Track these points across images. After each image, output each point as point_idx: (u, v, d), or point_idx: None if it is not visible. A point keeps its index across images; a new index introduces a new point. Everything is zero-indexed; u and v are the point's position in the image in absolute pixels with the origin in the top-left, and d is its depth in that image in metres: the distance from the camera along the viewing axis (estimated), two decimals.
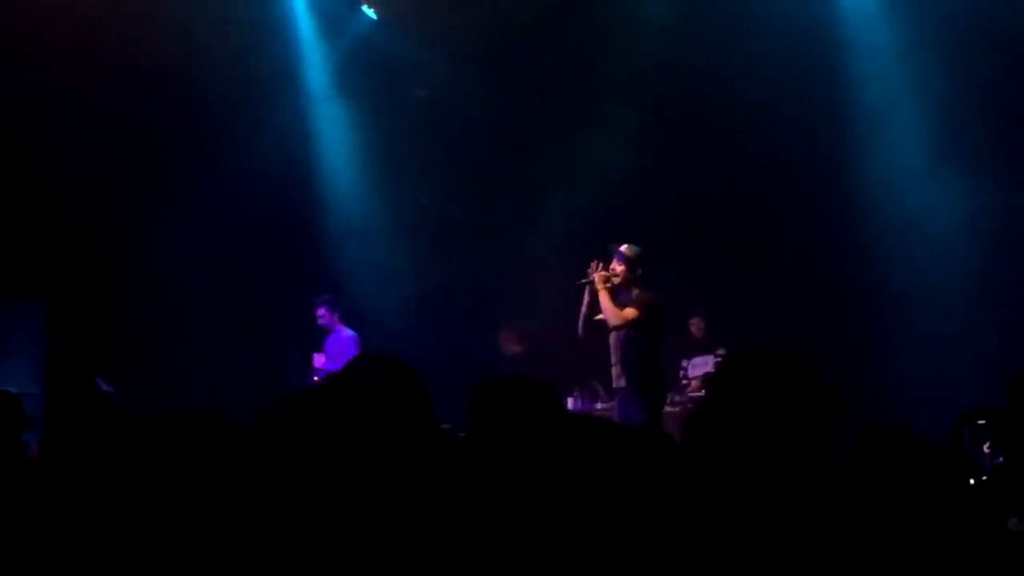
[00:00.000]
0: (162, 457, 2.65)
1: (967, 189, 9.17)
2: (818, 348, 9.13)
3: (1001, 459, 5.12)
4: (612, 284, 7.97)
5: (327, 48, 11.03)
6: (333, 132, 11.36)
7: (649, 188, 10.45)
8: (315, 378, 9.45)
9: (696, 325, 10.26)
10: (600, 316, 8.00)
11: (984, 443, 5.46)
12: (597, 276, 7.97)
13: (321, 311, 9.75)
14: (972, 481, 3.87)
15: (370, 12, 10.77)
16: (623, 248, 8.02)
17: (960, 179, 9.22)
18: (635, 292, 7.93)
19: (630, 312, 7.80)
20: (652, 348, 7.83)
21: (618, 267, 7.99)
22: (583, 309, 8.09)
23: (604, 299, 7.90)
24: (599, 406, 9.54)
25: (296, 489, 2.49)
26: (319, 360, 9.61)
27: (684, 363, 10.12)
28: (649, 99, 10.30)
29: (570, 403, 9.69)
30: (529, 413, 2.68)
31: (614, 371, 7.96)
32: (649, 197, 10.45)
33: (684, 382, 10.01)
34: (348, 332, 9.71)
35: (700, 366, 9.84)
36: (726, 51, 9.79)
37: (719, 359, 9.56)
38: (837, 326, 9.80)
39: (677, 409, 9.06)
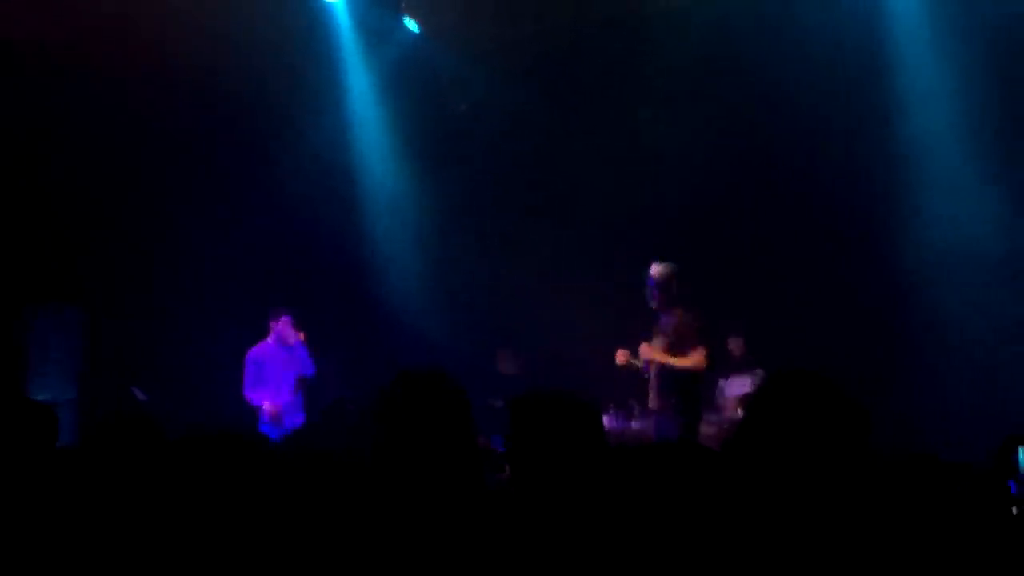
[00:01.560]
0: (188, 476, 2.63)
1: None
2: (858, 367, 9.08)
3: None
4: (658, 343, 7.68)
5: (369, 60, 11.06)
6: (374, 143, 11.37)
7: (689, 203, 10.38)
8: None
9: (735, 344, 10.17)
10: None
11: None
12: (644, 347, 7.69)
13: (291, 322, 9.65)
14: (1015, 510, 3.78)
15: (412, 24, 10.78)
16: (653, 273, 7.72)
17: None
18: (677, 316, 7.60)
19: (697, 363, 7.45)
20: (693, 373, 7.56)
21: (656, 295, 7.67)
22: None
23: (662, 358, 7.61)
24: (634, 424, 9.45)
25: (337, 507, 2.46)
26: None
27: (721, 382, 10.04)
28: (691, 112, 10.22)
29: (605, 421, 9.62)
30: (570, 429, 2.64)
31: (651, 392, 7.78)
32: (688, 212, 10.39)
33: (720, 402, 9.92)
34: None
35: (738, 386, 9.74)
36: (773, 58, 9.69)
37: (757, 380, 9.47)
38: (879, 345, 9.69)
39: (713, 430, 8.96)
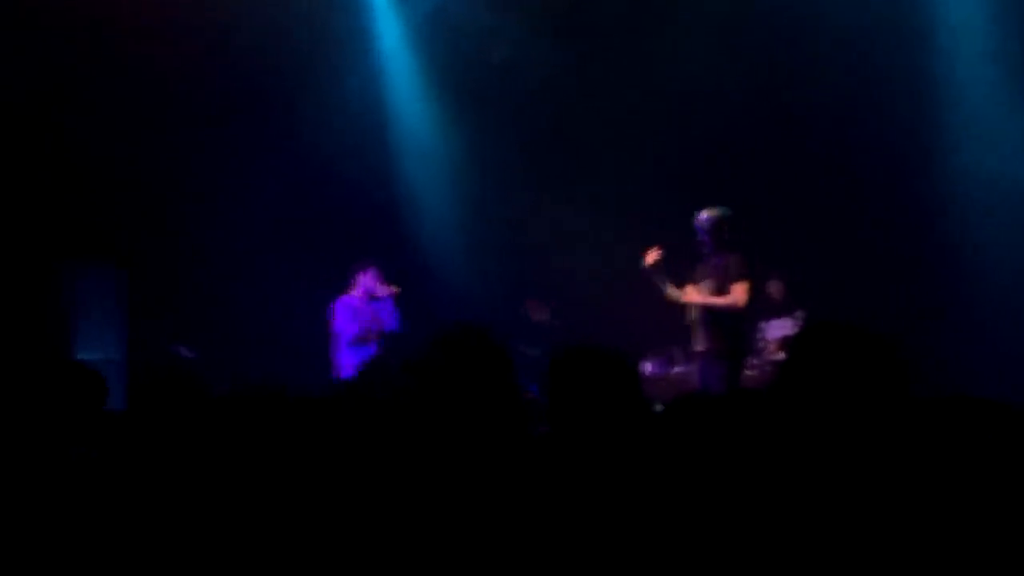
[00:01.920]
0: (235, 430, 2.68)
1: None
2: (899, 311, 9.04)
3: None
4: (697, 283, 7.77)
5: (401, 10, 11.01)
6: (407, 96, 11.34)
7: (728, 147, 10.32)
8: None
9: (775, 287, 10.13)
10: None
11: None
12: (689, 289, 7.78)
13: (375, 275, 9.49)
14: None
15: None
16: (702, 218, 7.76)
17: None
18: (725, 258, 7.63)
19: (736, 300, 7.52)
20: (737, 314, 7.61)
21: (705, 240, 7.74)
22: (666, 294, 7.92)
23: (698, 298, 7.70)
24: (675, 370, 9.48)
25: (380, 461, 2.50)
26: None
27: (762, 325, 10.01)
28: (726, 56, 10.13)
29: (647, 368, 9.65)
30: (606, 384, 2.66)
31: (695, 335, 7.80)
32: (729, 156, 10.33)
33: (761, 345, 9.91)
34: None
35: (778, 328, 9.71)
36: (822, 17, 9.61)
37: (797, 322, 9.46)
38: (920, 289, 9.63)
39: (755, 372, 8.96)
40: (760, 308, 9.75)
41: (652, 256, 7.96)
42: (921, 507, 2.14)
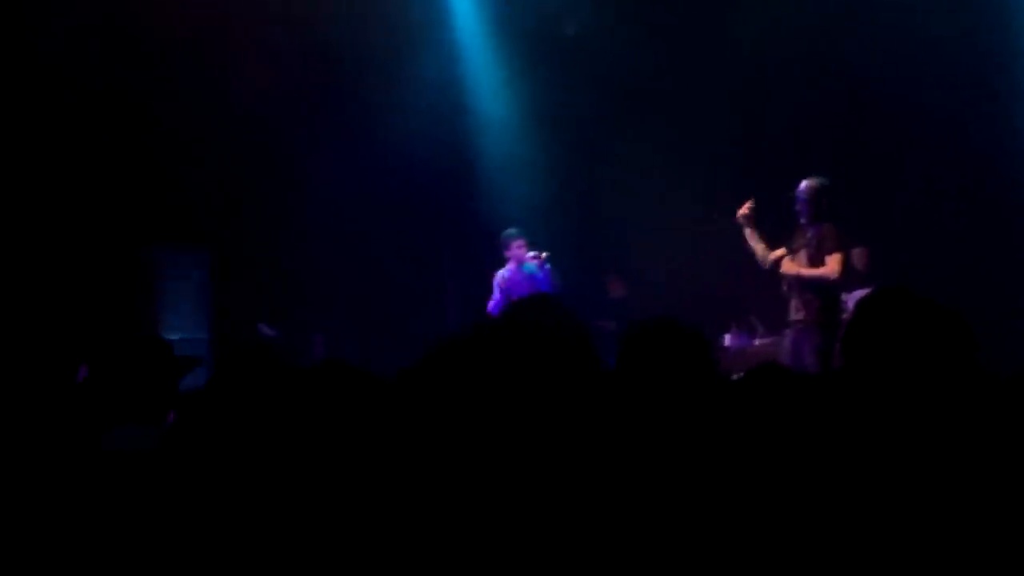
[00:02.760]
0: (316, 405, 2.70)
1: None
2: (983, 285, 8.86)
3: None
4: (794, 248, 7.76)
5: None
6: (484, 75, 11.35)
7: (804, 118, 10.19)
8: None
9: (859, 257, 9.96)
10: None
11: None
12: (785, 261, 7.75)
13: (522, 242, 9.51)
14: None
15: None
16: (802, 187, 7.72)
17: None
18: (821, 229, 7.61)
19: (830, 271, 7.53)
20: (832, 285, 7.60)
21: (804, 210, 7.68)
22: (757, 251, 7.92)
23: (793, 270, 7.70)
24: (757, 342, 9.40)
25: (457, 434, 2.51)
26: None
27: (844, 296, 9.85)
28: (803, 24, 9.97)
29: (728, 339, 9.58)
30: (678, 358, 2.65)
31: (793, 303, 7.73)
32: (805, 126, 10.21)
33: (844, 316, 9.76)
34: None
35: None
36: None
37: None
38: (1003, 263, 9.45)
39: (837, 345, 8.84)
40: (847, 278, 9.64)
41: (746, 207, 7.94)
42: (988, 487, 2.10)
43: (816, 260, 7.60)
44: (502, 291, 9.42)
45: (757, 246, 7.90)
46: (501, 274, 9.53)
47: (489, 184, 11.31)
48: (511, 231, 9.55)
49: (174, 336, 9.26)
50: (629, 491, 2.25)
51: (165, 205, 9.90)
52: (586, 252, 10.67)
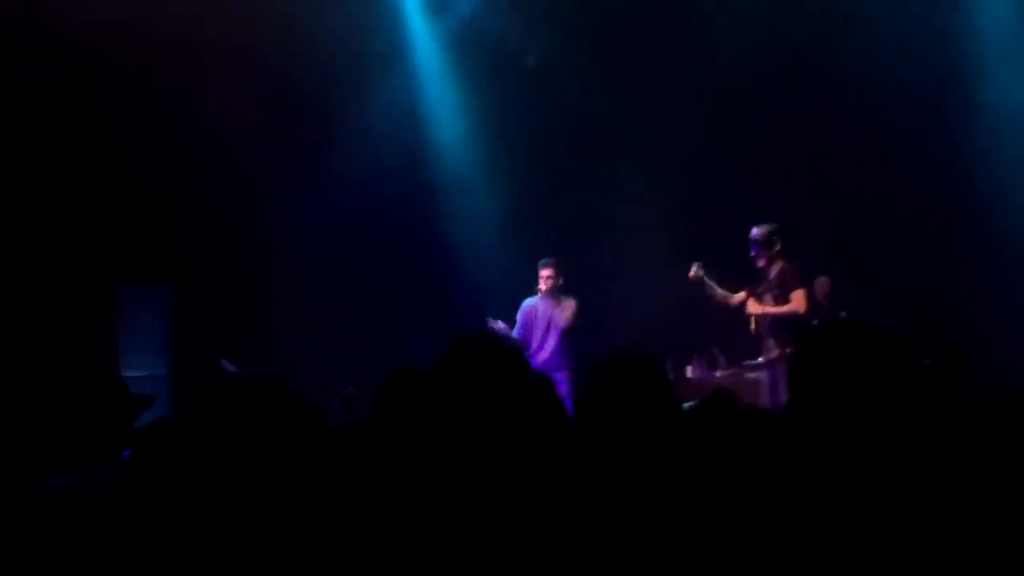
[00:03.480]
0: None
1: None
2: (947, 310, 8.94)
3: None
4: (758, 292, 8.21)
5: (435, 24, 11.06)
6: (443, 106, 11.38)
7: (763, 150, 10.29)
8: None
9: (820, 288, 10.03)
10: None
11: None
12: (751, 303, 8.22)
13: (547, 272, 9.12)
14: None
15: None
16: (754, 234, 8.14)
17: None
18: (779, 268, 8.08)
19: (797, 307, 7.94)
20: (800, 319, 7.91)
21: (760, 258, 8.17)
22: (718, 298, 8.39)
23: (759, 310, 8.15)
24: (718, 374, 9.42)
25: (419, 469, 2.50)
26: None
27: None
28: (757, 56, 10.08)
29: (690, 371, 9.61)
30: (634, 387, 2.66)
31: (765, 343, 8.18)
32: (765, 160, 10.30)
33: None
34: (572, 298, 9.19)
35: None
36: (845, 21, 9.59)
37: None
38: (967, 286, 9.55)
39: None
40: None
41: (693, 272, 8.42)
42: (933, 515, 2.11)
43: (781, 298, 8.01)
44: (523, 316, 9.23)
45: (717, 294, 8.36)
46: (529, 301, 9.28)
47: (451, 210, 11.32)
48: (546, 257, 9.26)
49: (133, 373, 9.18)
50: (582, 514, 2.25)
51: (125, 242, 9.83)
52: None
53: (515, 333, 9.09)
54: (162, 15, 9.31)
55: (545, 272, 9.08)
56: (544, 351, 9.05)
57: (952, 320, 9.00)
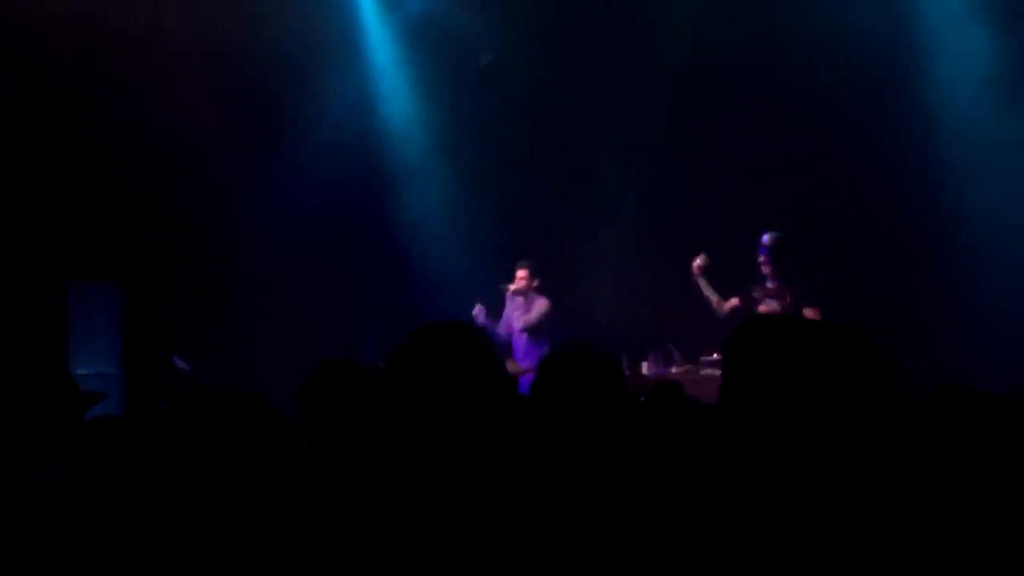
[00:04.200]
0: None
1: None
2: (889, 307, 9.01)
3: None
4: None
5: (389, 17, 11.05)
6: (397, 102, 11.36)
7: (719, 143, 10.34)
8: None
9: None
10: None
11: None
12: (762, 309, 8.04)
13: (521, 274, 9.36)
14: None
15: None
16: (766, 240, 8.15)
17: None
18: (793, 285, 8.10)
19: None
20: None
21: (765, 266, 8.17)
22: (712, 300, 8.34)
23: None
24: (674, 370, 9.46)
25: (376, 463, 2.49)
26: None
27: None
28: (715, 53, 10.12)
29: (645, 367, 9.64)
30: (588, 381, 2.67)
31: None
32: (720, 152, 10.36)
33: None
34: (544, 299, 9.36)
35: None
36: (799, 19, 9.64)
37: None
38: (909, 281, 9.63)
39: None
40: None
41: (700, 260, 8.32)
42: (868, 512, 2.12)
43: (789, 310, 7.87)
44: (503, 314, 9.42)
45: (712, 297, 8.15)
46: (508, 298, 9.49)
47: (407, 202, 11.30)
48: (527, 257, 9.48)
49: (85, 371, 9.10)
50: (535, 505, 2.25)
51: (78, 238, 9.74)
52: (501, 277, 10.63)
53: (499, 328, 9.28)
54: (116, 8, 9.26)
55: (520, 273, 9.31)
56: (516, 352, 9.21)
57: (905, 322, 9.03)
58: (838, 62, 9.52)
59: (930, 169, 9.56)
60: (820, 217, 9.85)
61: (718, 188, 10.22)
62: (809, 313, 7.74)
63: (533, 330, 9.20)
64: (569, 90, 10.80)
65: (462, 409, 2.42)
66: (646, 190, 10.51)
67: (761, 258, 8.14)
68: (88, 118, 9.56)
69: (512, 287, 9.31)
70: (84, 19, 9.13)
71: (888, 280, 9.62)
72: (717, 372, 8.21)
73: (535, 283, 9.32)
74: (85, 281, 10.13)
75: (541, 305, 9.28)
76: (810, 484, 2.08)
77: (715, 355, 9.03)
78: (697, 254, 8.35)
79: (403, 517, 2.26)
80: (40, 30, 9.02)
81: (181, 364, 9.47)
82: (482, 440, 2.39)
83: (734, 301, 8.21)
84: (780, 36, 9.77)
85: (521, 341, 9.27)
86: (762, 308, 8.02)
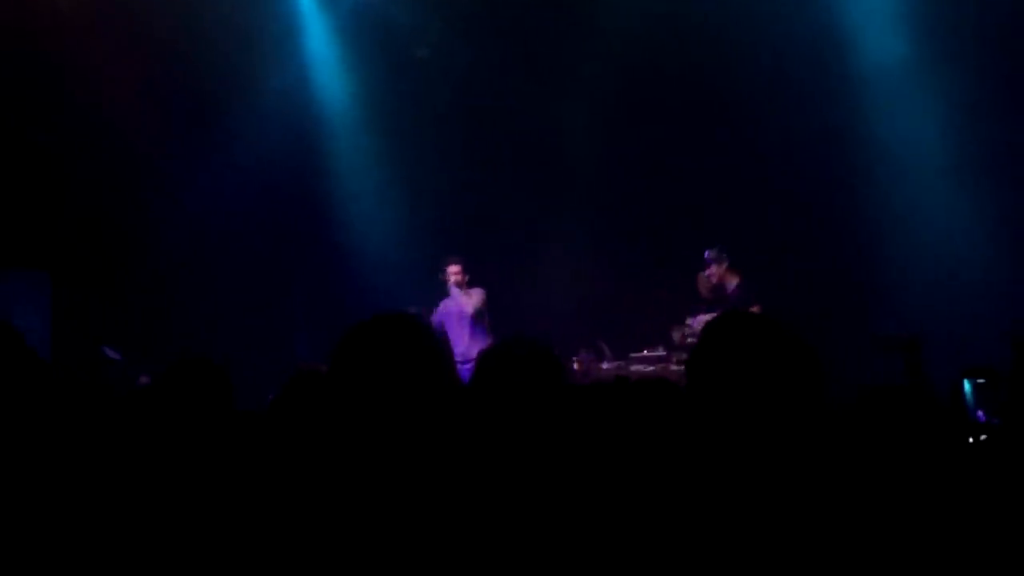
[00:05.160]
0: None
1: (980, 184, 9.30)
2: (825, 315, 9.21)
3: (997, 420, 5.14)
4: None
5: (326, 12, 11.01)
6: (334, 96, 11.33)
7: (646, 146, 10.47)
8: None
9: (704, 283, 10.23)
10: None
11: (984, 401, 5.48)
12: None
13: (455, 268, 9.49)
14: (971, 440, 3.88)
15: None
16: (709, 255, 9.11)
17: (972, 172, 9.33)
18: (736, 282, 9.09)
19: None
20: None
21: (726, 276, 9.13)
22: None
23: None
24: (605, 366, 9.56)
25: (321, 457, 2.51)
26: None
27: (689, 320, 10.10)
28: (643, 57, 10.25)
29: (575, 363, 9.71)
30: (529, 373, 2.72)
31: None
32: (648, 155, 10.49)
33: (691, 340, 10.00)
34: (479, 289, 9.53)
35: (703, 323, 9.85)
36: (731, 16, 9.78)
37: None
38: (842, 293, 9.86)
39: (683, 367, 9.07)
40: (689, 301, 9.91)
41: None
42: (836, 499, 2.19)
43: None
44: (438, 321, 9.49)
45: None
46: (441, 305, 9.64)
47: (338, 205, 11.29)
48: (449, 256, 9.59)
49: None
50: (480, 497, 2.29)
51: (4, 228, 9.60)
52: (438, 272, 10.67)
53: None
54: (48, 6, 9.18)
55: (453, 268, 9.43)
56: (461, 343, 9.29)
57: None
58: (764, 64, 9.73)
59: (858, 172, 9.81)
60: (755, 218, 10.03)
61: (653, 188, 10.36)
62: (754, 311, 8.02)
63: (479, 315, 9.38)
64: (505, 83, 10.85)
65: (409, 399, 2.46)
66: (580, 187, 10.60)
67: (707, 272, 9.10)
68: (17, 106, 9.43)
69: (451, 283, 9.43)
70: (12, 5, 9.02)
71: (823, 278, 9.85)
72: (648, 368, 8.45)
73: (467, 277, 9.49)
74: (12, 271, 9.99)
75: (479, 293, 9.46)
76: (754, 472, 2.15)
77: (644, 351, 9.21)
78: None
79: (356, 507, 2.30)
80: None
81: (111, 354, 9.37)
82: (429, 428, 2.44)
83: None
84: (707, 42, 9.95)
85: (467, 333, 9.39)
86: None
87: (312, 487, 2.37)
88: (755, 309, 8.14)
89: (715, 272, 9.31)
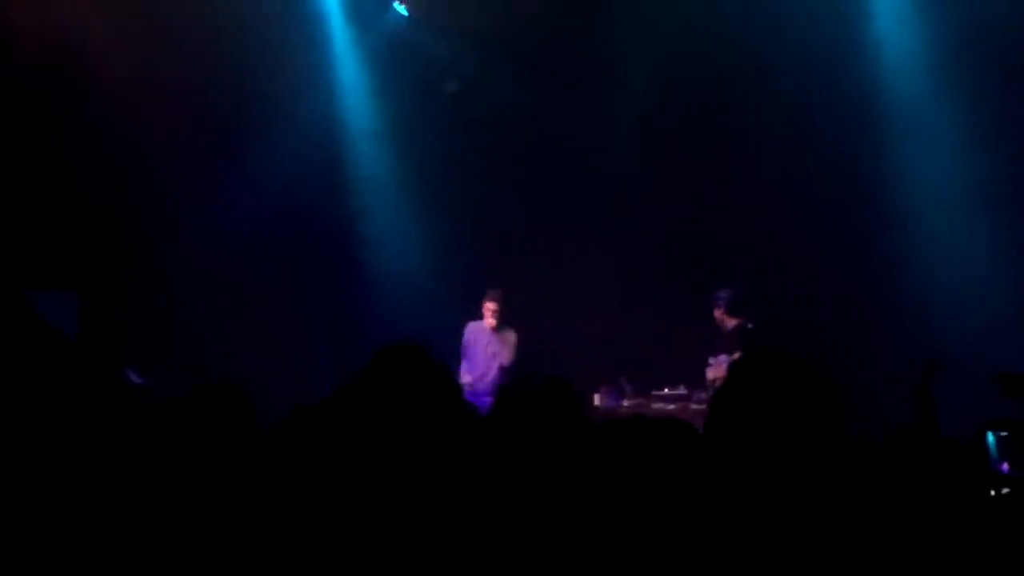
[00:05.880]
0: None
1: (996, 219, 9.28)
2: (843, 349, 9.15)
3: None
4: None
5: (358, 44, 11.10)
6: (365, 127, 11.40)
7: (677, 176, 10.50)
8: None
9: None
10: None
11: (1007, 454, 5.45)
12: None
13: (492, 306, 9.65)
14: (993, 493, 3.85)
15: (401, 8, 10.85)
16: (721, 295, 8.98)
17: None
18: (734, 325, 8.97)
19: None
20: None
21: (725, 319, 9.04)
22: None
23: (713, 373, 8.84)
24: (625, 403, 9.55)
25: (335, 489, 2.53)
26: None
27: (711, 360, 10.08)
28: (669, 90, 10.29)
29: (597, 398, 9.71)
30: (548, 410, 2.73)
31: None
32: (672, 191, 10.52)
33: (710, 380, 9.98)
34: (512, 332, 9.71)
35: (724, 364, 9.81)
36: (751, 47, 9.81)
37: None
38: (860, 327, 9.79)
39: (704, 407, 9.04)
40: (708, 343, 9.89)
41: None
42: (857, 543, 2.19)
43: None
44: (465, 340, 9.74)
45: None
46: (472, 326, 9.82)
47: (363, 232, 11.34)
48: (493, 288, 9.75)
49: None
50: (497, 528, 2.30)
51: (31, 247, 9.66)
52: (459, 303, 10.67)
53: (462, 352, 9.64)
54: (74, 16, 9.25)
55: (491, 305, 9.62)
56: (486, 378, 9.46)
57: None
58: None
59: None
60: (778, 256, 10.03)
61: (676, 226, 10.36)
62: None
63: (512, 367, 9.49)
64: (534, 116, 10.91)
65: (420, 434, 2.47)
66: (608, 221, 10.62)
67: (716, 312, 8.98)
68: (44, 127, 9.51)
69: (489, 320, 9.58)
70: (38, 29, 9.11)
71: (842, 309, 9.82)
72: (669, 406, 8.49)
73: (503, 314, 9.64)
74: (39, 291, 10.04)
75: (513, 339, 9.64)
76: (773, 508, 2.15)
77: (666, 389, 9.20)
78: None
79: (366, 535, 2.31)
80: (6, 42, 9.01)
81: (135, 378, 9.39)
82: (441, 460, 2.45)
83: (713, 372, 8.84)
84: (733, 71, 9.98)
85: (494, 374, 9.54)
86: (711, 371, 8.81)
87: (326, 522, 2.38)
88: (735, 356, 8.05)
89: (717, 315, 9.30)
